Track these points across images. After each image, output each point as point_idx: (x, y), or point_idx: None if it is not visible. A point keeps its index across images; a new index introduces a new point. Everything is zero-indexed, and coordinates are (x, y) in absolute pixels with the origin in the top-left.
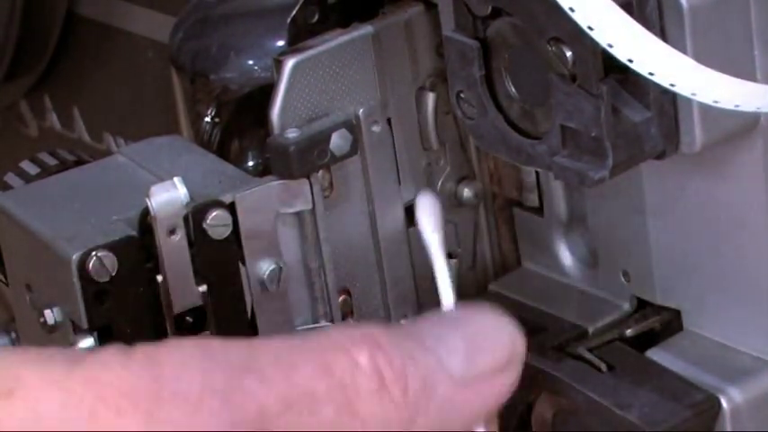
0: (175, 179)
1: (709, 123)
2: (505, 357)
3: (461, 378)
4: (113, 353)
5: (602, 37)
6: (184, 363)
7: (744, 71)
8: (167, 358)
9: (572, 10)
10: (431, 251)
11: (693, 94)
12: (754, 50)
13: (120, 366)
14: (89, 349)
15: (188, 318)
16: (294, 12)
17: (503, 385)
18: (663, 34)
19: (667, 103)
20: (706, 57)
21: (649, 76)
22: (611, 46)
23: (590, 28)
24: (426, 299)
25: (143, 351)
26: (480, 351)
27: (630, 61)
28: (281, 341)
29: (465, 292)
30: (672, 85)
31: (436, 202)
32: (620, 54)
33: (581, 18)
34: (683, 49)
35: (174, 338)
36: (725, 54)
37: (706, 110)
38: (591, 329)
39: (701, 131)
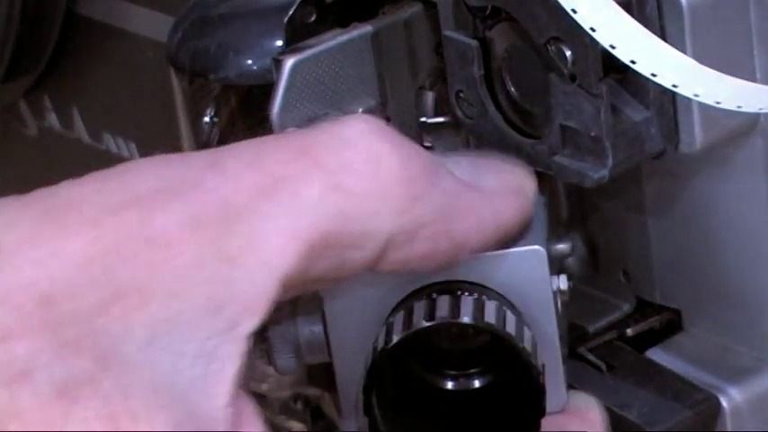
0: None
1: (709, 123)
2: (515, 184)
3: (469, 182)
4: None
5: (604, 38)
6: (132, 169)
7: (743, 71)
8: (115, 171)
9: (574, 11)
10: None
11: (696, 96)
12: (754, 50)
13: (66, 187)
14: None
15: None
16: (291, 11)
17: (511, 203)
18: (662, 34)
19: (667, 103)
20: (705, 56)
21: (651, 78)
22: (613, 47)
23: (592, 29)
24: None
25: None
26: (488, 172)
27: (633, 62)
28: (249, 142)
29: None
30: (674, 87)
31: None
32: (623, 55)
33: (583, 19)
34: (682, 49)
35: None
36: (724, 54)
37: (706, 109)
38: (591, 329)
39: (701, 131)
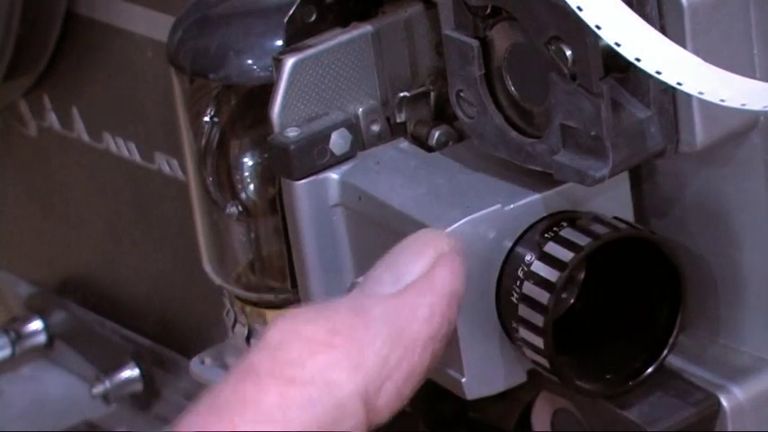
0: None
1: (710, 122)
2: (431, 257)
3: (396, 292)
4: None
5: (609, 36)
6: None
7: (743, 70)
8: None
9: (580, 9)
10: None
11: (701, 93)
12: (754, 50)
13: None
14: None
15: None
16: (291, 11)
17: (443, 277)
18: (663, 33)
19: (667, 102)
20: (706, 55)
21: (656, 75)
22: (618, 45)
23: (598, 27)
24: None
25: None
26: (403, 265)
27: (638, 60)
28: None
29: None
30: (679, 84)
31: None
32: (628, 53)
33: (589, 17)
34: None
35: None
36: (725, 53)
37: (706, 108)
38: None
39: (702, 130)
